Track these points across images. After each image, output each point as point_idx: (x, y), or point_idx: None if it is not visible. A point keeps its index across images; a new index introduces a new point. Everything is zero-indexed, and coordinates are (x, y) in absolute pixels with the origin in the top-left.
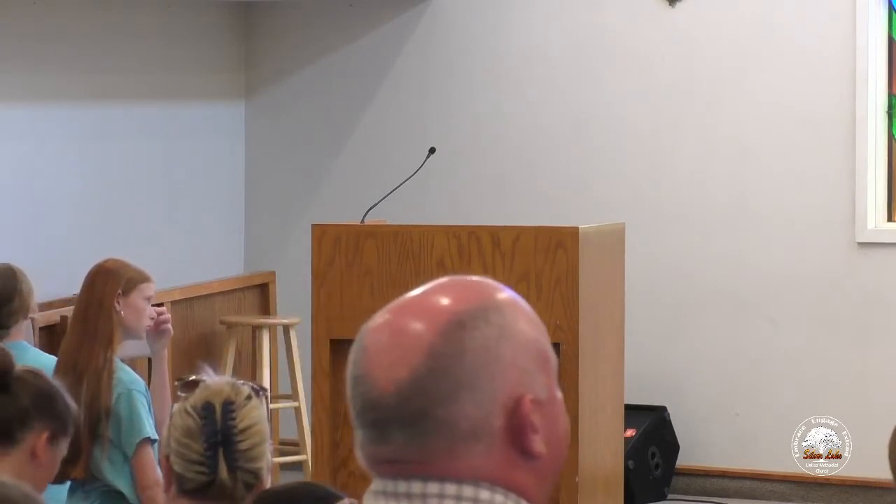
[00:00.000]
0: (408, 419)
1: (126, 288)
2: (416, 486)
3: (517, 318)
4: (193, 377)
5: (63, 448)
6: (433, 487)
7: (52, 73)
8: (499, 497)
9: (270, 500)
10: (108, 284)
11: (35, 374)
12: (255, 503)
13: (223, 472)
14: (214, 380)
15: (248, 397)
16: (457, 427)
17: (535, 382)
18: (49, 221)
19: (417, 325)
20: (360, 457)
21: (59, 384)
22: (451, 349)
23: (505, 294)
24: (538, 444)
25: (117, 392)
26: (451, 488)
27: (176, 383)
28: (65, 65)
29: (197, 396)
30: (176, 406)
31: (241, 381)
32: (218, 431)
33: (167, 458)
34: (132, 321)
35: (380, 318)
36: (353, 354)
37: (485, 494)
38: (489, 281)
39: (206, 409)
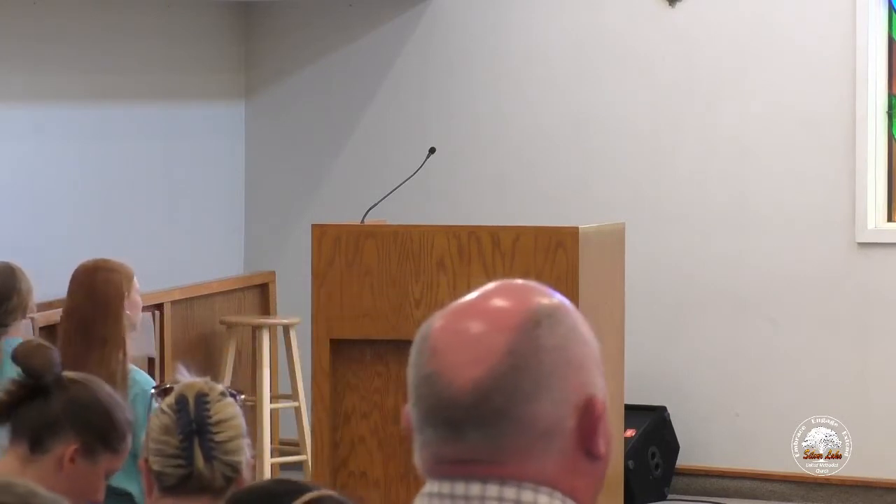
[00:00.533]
0: (486, 418)
1: (127, 287)
2: (475, 489)
3: (578, 320)
4: (169, 384)
5: (105, 464)
6: (492, 490)
7: (52, 73)
8: (557, 503)
9: (246, 499)
10: (111, 288)
11: (79, 383)
12: (229, 502)
13: (199, 461)
14: (188, 378)
15: (223, 394)
16: (534, 426)
17: (598, 383)
18: (49, 221)
19: (491, 325)
20: (421, 458)
21: (113, 398)
22: (529, 348)
23: (558, 297)
24: (603, 445)
25: (133, 393)
26: (510, 492)
27: (152, 391)
28: (65, 65)
29: (171, 395)
30: (153, 410)
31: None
32: (192, 421)
33: (146, 460)
34: (135, 317)
35: (443, 319)
36: (416, 356)
37: (543, 500)
38: (537, 284)
39: (180, 403)
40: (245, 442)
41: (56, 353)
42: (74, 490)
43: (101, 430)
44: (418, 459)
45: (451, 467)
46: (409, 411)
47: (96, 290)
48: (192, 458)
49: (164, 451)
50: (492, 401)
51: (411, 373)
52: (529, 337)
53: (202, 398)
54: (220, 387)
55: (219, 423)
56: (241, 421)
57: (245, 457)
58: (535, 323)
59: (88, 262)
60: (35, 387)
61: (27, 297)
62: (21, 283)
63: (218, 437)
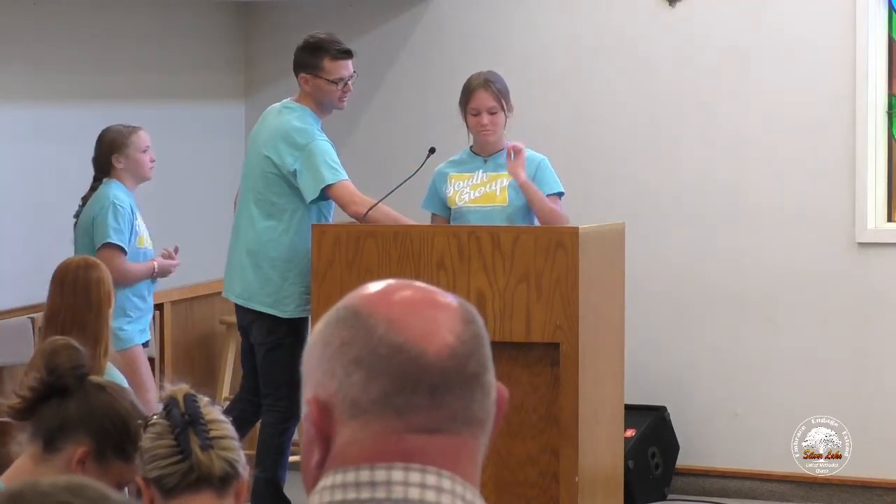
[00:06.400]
0: (464, 382)
1: (111, 286)
2: (398, 475)
3: None
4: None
5: (116, 473)
6: (401, 475)
7: (52, 73)
8: (459, 489)
9: None
10: (103, 286)
11: (101, 387)
12: None
13: (197, 449)
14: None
15: (210, 404)
16: (491, 395)
17: None
18: (49, 221)
19: (439, 297)
20: (378, 431)
21: (135, 407)
22: (476, 320)
23: None
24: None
25: None
26: (431, 479)
27: (139, 421)
28: (65, 65)
29: (159, 408)
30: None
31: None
32: (184, 413)
33: (143, 478)
34: (109, 315)
35: (380, 295)
36: (362, 331)
37: (458, 489)
38: None
39: (169, 404)
40: (238, 445)
41: (83, 355)
42: None
43: (113, 437)
44: (360, 438)
45: (417, 439)
46: (335, 395)
47: (89, 290)
48: (190, 449)
49: (159, 454)
50: (468, 366)
51: (357, 347)
52: (471, 310)
53: (191, 396)
54: (207, 398)
55: (211, 420)
56: (232, 429)
57: (242, 458)
58: (464, 301)
59: (74, 259)
60: (56, 386)
61: None
62: None
63: (212, 432)
